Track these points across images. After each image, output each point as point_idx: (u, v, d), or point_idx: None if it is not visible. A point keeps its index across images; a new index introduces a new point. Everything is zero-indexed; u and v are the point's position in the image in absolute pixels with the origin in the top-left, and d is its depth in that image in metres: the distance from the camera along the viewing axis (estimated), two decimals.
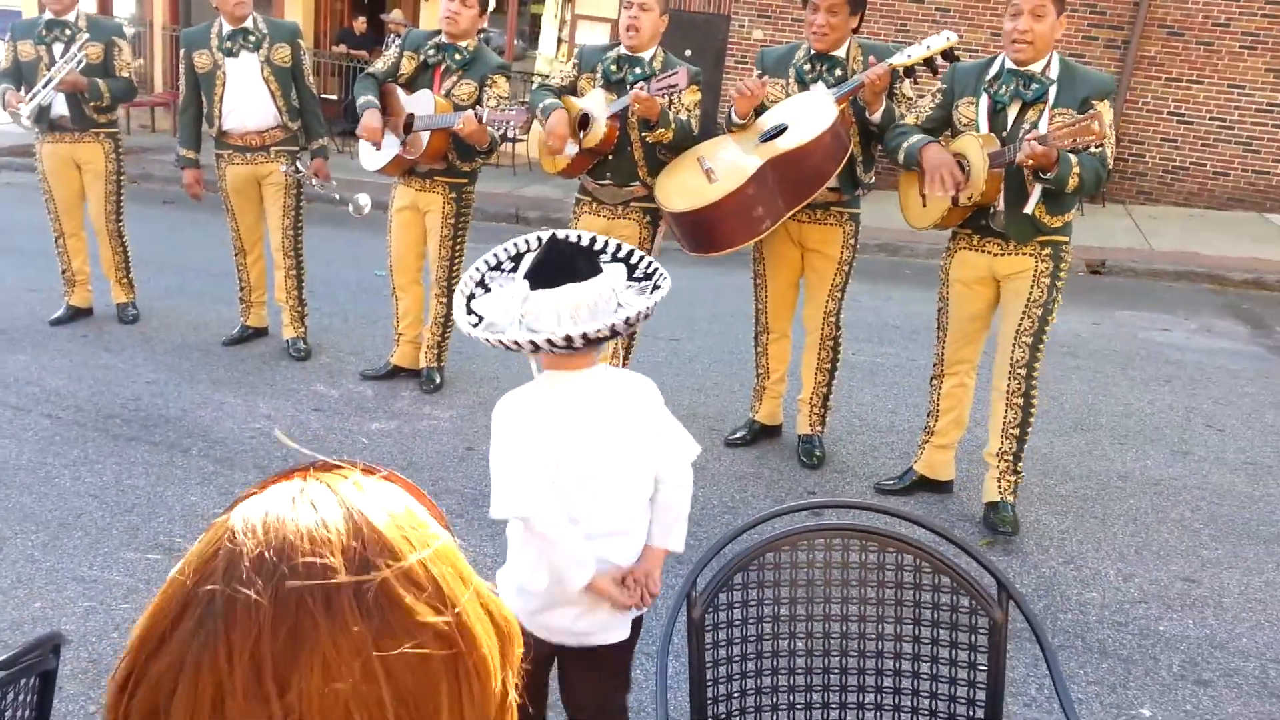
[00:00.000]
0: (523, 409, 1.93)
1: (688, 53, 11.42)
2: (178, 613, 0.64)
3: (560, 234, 2.03)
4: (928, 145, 3.58)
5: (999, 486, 3.76)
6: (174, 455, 4.03)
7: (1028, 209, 3.53)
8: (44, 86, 4.98)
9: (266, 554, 0.63)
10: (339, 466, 0.73)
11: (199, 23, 5.77)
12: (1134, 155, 11.19)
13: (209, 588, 0.64)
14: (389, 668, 0.61)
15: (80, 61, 5.05)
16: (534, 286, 1.88)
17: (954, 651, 1.90)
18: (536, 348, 1.83)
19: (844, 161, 3.76)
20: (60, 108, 5.12)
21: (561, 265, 1.90)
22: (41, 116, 5.08)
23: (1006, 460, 3.74)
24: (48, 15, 5.11)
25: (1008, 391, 3.69)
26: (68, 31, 5.09)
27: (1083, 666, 3.00)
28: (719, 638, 1.90)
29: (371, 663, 0.61)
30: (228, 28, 4.86)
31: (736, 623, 1.91)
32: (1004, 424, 3.72)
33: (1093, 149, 3.35)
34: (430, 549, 0.66)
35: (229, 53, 4.85)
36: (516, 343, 1.83)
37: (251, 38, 4.85)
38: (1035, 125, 3.46)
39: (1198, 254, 9.09)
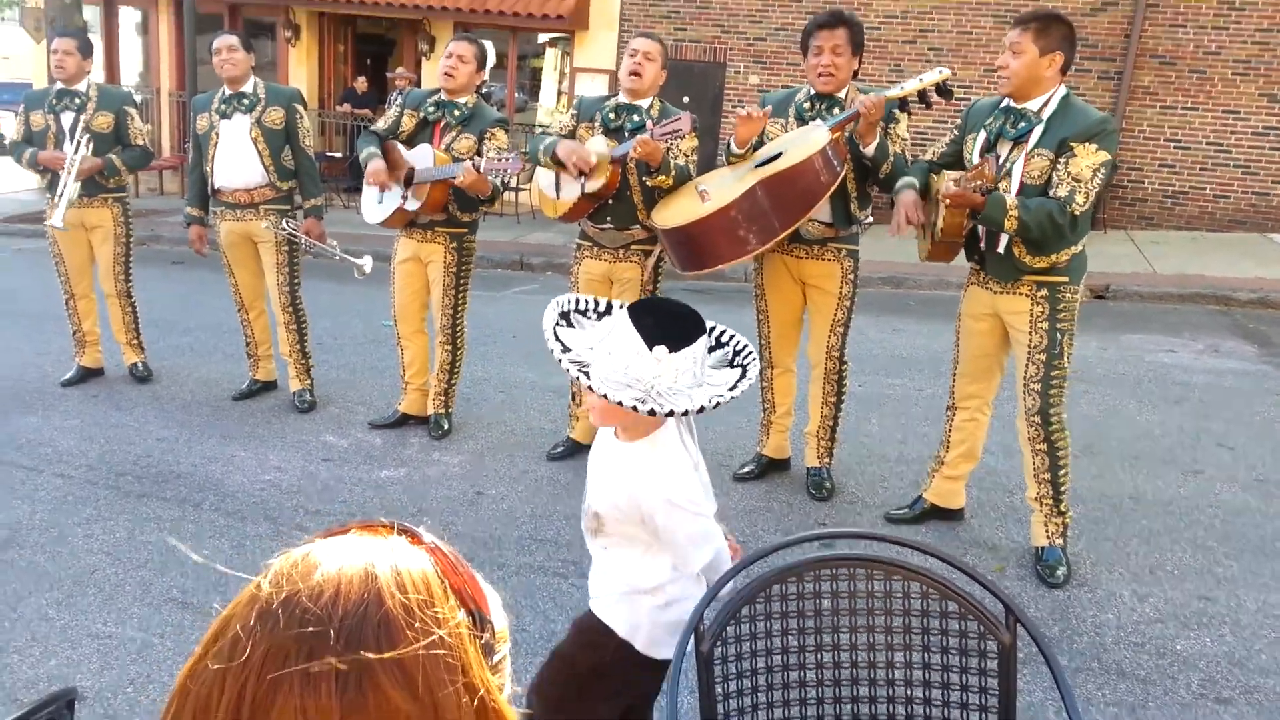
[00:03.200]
0: (677, 473, 2.00)
1: (685, 99, 11.59)
2: (202, 650, 0.69)
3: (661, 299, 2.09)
4: (905, 190, 3.73)
5: (1046, 531, 3.67)
6: (185, 510, 4.06)
7: (985, 244, 3.61)
8: (64, 185, 5.08)
9: (275, 605, 0.67)
10: (385, 528, 0.76)
11: (205, 88, 5.90)
12: (1133, 182, 11.26)
13: (227, 627, 0.68)
14: None
15: (87, 144, 5.14)
16: (650, 344, 1.88)
17: (964, 677, 1.90)
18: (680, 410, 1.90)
19: (835, 185, 3.78)
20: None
21: (675, 326, 1.93)
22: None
23: (1047, 504, 3.64)
24: (59, 85, 5.23)
25: (1029, 438, 3.62)
26: (77, 100, 5.20)
27: (1101, 689, 2.97)
28: (729, 671, 1.90)
29: None
30: (228, 92, 5.02)
31: (746, 655, 1.91)
32: (1034, 469, 3.64)
33: (985, 191, 3.36)
34: (431, 637, 0.67)
35: (224, 115, 5.01)
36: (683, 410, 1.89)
37: (246, 101, 5.00)
38: (1012, 164, 3.47)
39: (1201, 276, 9.11)
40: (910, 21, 11.58)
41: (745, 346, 2.12)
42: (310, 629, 0.65)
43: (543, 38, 13.91)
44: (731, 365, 2.08)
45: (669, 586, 2.08)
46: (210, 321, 6.98)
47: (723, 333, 2.13)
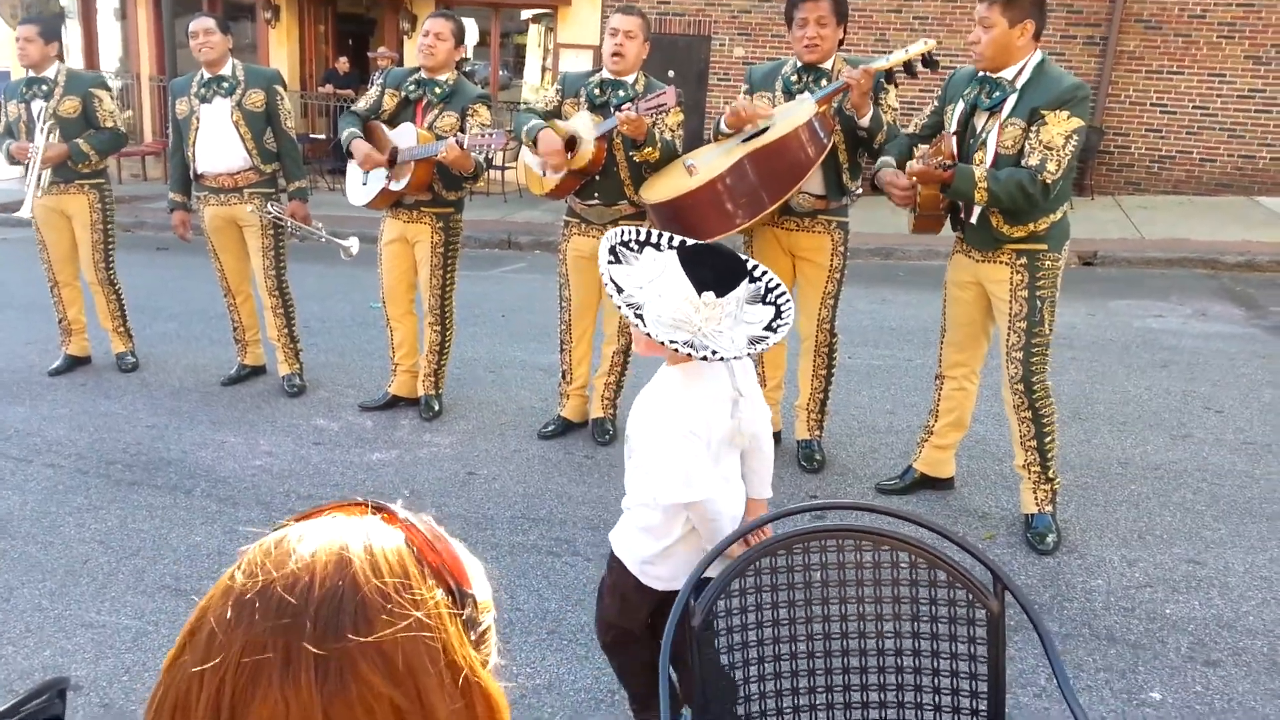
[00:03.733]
0: (677, 404, 2.09)
1: (670, 73, 11.52)
2: (180, 644, 0.68)
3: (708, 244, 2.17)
4: (883, 169, 3.75)
5: (1035, 498, 3.68)
6: (177, 497, 4.05)
7: (964, 215, 3.63)
8: (31, 175, 5.05)
9: (249, 595, 0.66)
10: (359, 506, 0.75)
11: (185, 72, 5.85)
12: (1119, 147, 11.25)
13: (203, 621, 0.67)
14: None
15: (51, 130, 5.08)
16: (699, 289, 2.00)
17: (954, 645, 1.91)
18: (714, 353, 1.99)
19: (822, 157, 3.78)
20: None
21: (719, 270, 2.04)
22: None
23: (1035, 471, 3.65)
24: (31, 72, 5.18)
25: (1014, 406, 3.63)
26: (45, 87, 5.15)
27: (1091, 654, 3.00)
28: (720, 644, 1.91)
29: None
30: (206, 75, 4.97)
31: (737, 628, 1.92)
32: (1020, 437, 3.65)
33: (946, 165, 3.39)
34: (409, 619, 0.66)
35: (203, 99, 4.96)
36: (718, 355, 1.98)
37: (226, 84, 4.95)
38: (987, 133, 3.47)
39: (1189, 240, 9.12)
40: None
41: (778, 284, 2.21)
42: (286, 620, 0.64)
43: (526, 14, 13.80)
44: (765, 302, 2.18)
45: (644, 510, 2.21)
46: (197, 307, 6.95)
47: (755, 267, 2.22)
